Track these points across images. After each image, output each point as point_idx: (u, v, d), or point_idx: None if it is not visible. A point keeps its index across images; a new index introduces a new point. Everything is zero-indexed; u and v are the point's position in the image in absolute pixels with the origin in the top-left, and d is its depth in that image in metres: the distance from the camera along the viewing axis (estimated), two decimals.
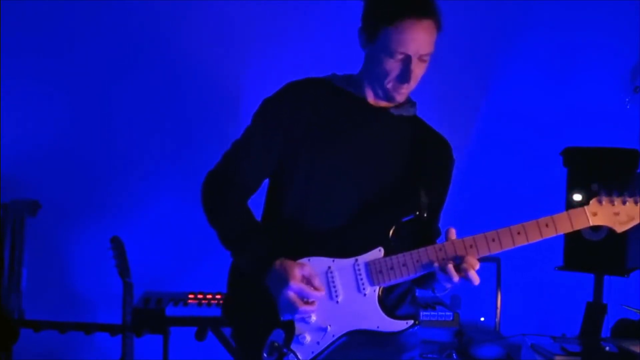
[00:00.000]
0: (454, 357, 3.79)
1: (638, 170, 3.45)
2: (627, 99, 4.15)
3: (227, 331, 3.33)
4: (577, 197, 3.46)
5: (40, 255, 3.73)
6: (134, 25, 3.90)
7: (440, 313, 3.43)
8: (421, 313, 3.40)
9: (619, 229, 1.99)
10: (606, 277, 3.54)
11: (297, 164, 2.02)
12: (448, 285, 1.99)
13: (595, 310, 3.54)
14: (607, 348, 3.42)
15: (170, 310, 3.28)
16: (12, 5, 3.76)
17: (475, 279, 1.92)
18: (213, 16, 3.96)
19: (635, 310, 3.60)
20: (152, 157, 3.96)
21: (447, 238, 1.98)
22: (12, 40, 3.78)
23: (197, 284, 3.55)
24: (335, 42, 3.85)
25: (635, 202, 1.97)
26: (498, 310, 3.94)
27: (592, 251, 3.46)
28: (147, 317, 3.26)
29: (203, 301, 3.38)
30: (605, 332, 3.60)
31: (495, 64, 4.17)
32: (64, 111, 3.91)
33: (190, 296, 3.42)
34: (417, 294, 2.19)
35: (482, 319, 3.98)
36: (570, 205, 3.49)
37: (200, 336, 3.26)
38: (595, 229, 3.41)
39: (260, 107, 2.11)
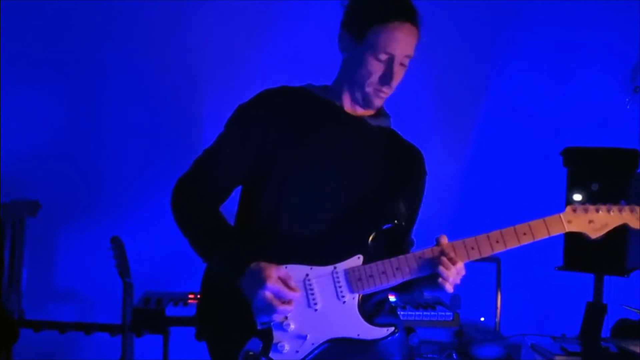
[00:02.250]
0: (454, 357, 3.79)
1: (638, 170, 3.45)
2: (627, 99, 4.15)
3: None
4: (577, 197, 3.46)
5: (40, 255, 3.73)
6: (132, 26, 3.91)
7: (440, 313, 3.43)
8: (421, 313, 3.40)
9: (593, 235, 2.07)
10: (606, 277, 3.54)
11: (273, 172, 2.01)
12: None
13: (595, 310, 3.54)
14: (608, 348, 3.42)
15: (170, 310, 3.28)
16: (12, 7, 3.76)
17: (452, 279, 1.94)
18: (211, 17, 3.97)
19: (635, 310, 3.60)
20: (152, 157, 3.96)
21: (437, 243, 1.98)
22: (12, 41, 3.78)
23: (197, 284, 3.51)
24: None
25: (608, 211, 2.06)
26: (498, 310, 3.94)
27: (592, 251, 3.45)
28: (147, 317, 3.26)
29: None
30: (605, 332, 3.59)
31: (496, 63, 4.17)
32: (64, 111, 3.91)
33: (190, 296, 3.42)
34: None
35: (482, 319, 3.98)
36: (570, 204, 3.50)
37: (200, 336, 3.25)
38: None
39: (234, 113, 2.09)
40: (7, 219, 3.40)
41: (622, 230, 3.36)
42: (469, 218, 3.95)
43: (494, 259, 3.97)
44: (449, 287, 1.94)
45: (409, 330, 3.36)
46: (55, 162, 3.89)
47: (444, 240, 1.97)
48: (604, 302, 3.54)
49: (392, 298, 3.45)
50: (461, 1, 3.99)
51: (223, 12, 3.97)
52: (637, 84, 4.15)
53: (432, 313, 3.42)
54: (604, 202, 2.07)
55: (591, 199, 3.40)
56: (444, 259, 1.93)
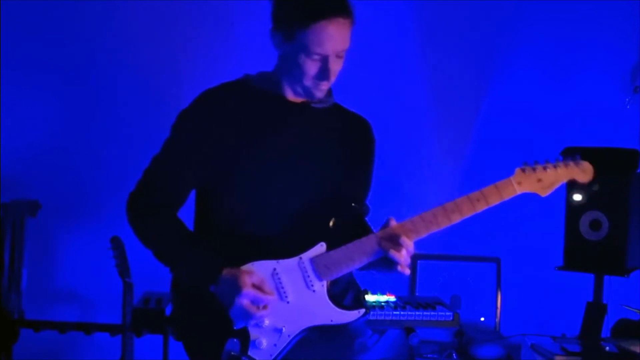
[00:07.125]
0: (454, 357, 3.79)
1: (638, 170, 3.45)
2: (627, 99, 4.15)
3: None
4: (577, 197, 3.46)
5: (40, 255, 3.73)
6: (133, 26, 3.90)
7: (440, 313, 3.42)
8: (421, 313, 3.40)
9: (543, 193, 2.14)
10: (606, 277, 3.54)
11: (227, 171, 2.01)
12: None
13: (595, 310, 3.54)
14: (607, 348, 3.41)
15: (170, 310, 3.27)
16: (12, 6, 3.76)
17: (404, 261, 1.95)
18: (210, 16, 3.97)
19: (635, 310, 3.60)
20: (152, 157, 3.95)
21: (386, 225, 2.00)
22: (12, 40, 3.78)
23: None
24: None
25: (555, 167, 2.11)
26: (498, 310, 3.94)
27: (592, 251, 3.46)
28: (147, 317, 3.26)
29: None
30: (605, 332, 3.59)
31: (496, 63, 4.17)
32: (64, 111, 3.91)
33: None
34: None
35: (482, 319, 3.98)
36: (570, 204, 3.50)
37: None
38: (596, 227, 3.43)
39: (178, 119, 2.11)
40: (7, 219, 3.40)
41: (622, 230, 3.40)
42: (469, 218, 3.94)
43: (494, 259, 3.97)
44: (402, 269, 1.96)
45: (409, 330, 3.36)
46: (55, 162, 3.88)
47: (393, 222, 2.00)
48: (604, 302, 3.54)
49: (392, 298, 3.45)
50: (461, 1, 3.99)
51: (227, 11, 3.97)
52: (637, 84, 4.15)
53: (432, 313, 3.41)
54: (552, 159, 2.11)
55: (591, 200, 3.43)
56: (395, 241, 1.95)
